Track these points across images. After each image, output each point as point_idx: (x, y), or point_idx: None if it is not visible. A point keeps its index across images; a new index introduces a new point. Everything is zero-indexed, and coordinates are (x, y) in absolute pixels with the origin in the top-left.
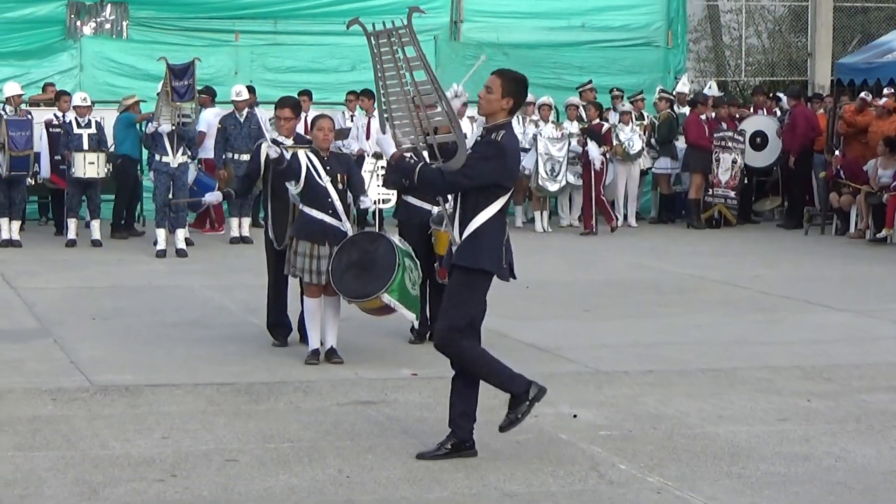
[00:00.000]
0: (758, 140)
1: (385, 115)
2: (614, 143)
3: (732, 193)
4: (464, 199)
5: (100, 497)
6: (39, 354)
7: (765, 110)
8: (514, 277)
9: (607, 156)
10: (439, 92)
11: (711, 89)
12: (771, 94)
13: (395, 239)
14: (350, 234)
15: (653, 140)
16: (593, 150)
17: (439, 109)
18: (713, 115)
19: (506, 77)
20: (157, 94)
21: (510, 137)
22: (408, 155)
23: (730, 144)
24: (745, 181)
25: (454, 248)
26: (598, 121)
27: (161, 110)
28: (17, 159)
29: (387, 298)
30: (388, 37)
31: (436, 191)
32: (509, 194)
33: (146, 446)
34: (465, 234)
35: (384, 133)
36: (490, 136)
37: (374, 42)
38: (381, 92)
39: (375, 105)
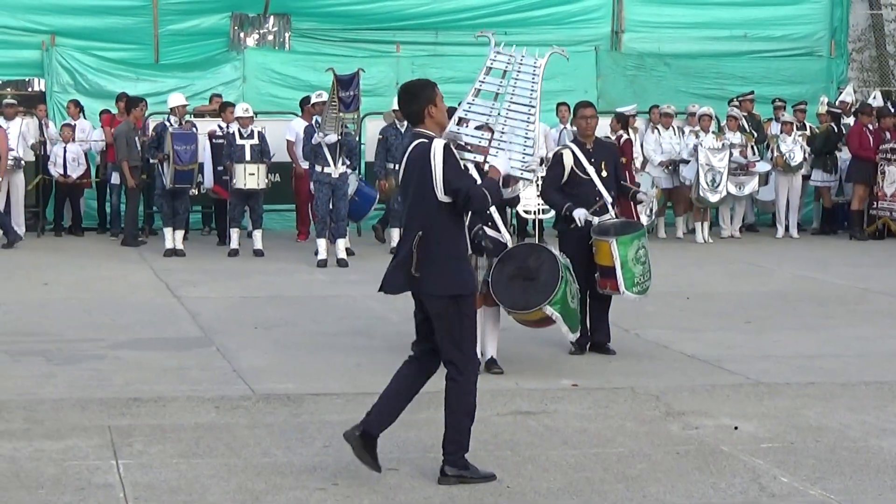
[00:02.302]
0: None
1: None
2: (775, 153)
3: None
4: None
5: None
6: (202, 363)
7: None
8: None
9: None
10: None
11: (876, 99)
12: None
13: (556, 251)
14: (509, 245)
15: (808, 150)
16: None
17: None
18: (878, 125)
19: None
20: (312, 105)
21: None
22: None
23: (894, 157)
24: None
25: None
26: (620, 132)
27: (326, 121)
28: (182, 173)
29: (549, 311)
30: (509, 58)
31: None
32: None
33: (308, 455)
34: None
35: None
36: None
37: (492, 55)
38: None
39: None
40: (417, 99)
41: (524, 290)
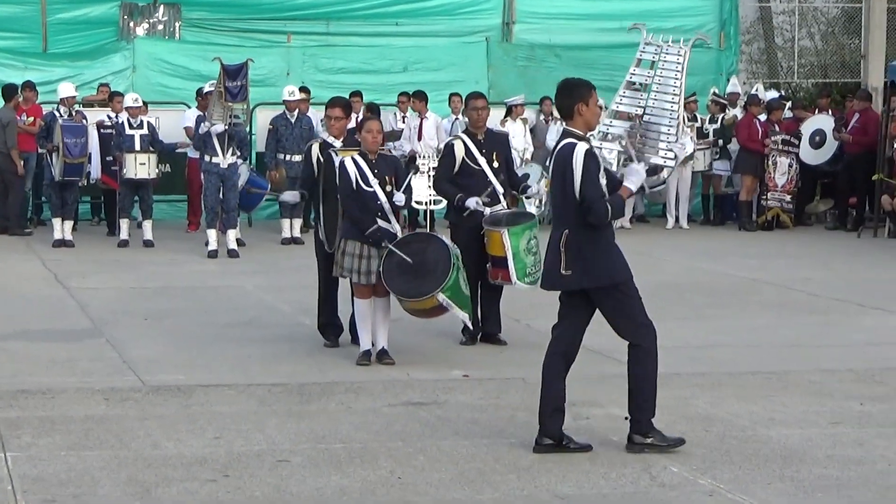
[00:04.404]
0: (817, 138)
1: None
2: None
3: (788, 197)
4: None
5: (152, 497)
6: (92, 354)
7: (829, 111)
8: None
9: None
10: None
11: (759, 91)
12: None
13: (446, 240)
14: (399, 235)
15: (720, 142)
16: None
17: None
18: (766, 117)
19: None
20: (205, 94)
21: None
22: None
23: (785, 147)
24: (800, 184)
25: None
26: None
27: (213, 111)
28: (71, 166)
29: (441, 297)
30: (657, 48)
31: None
32: None
33: (198, 446)
34: None
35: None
36: None
37: (642, 46)
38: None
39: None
40: (571, 96)
41: (415, 278)
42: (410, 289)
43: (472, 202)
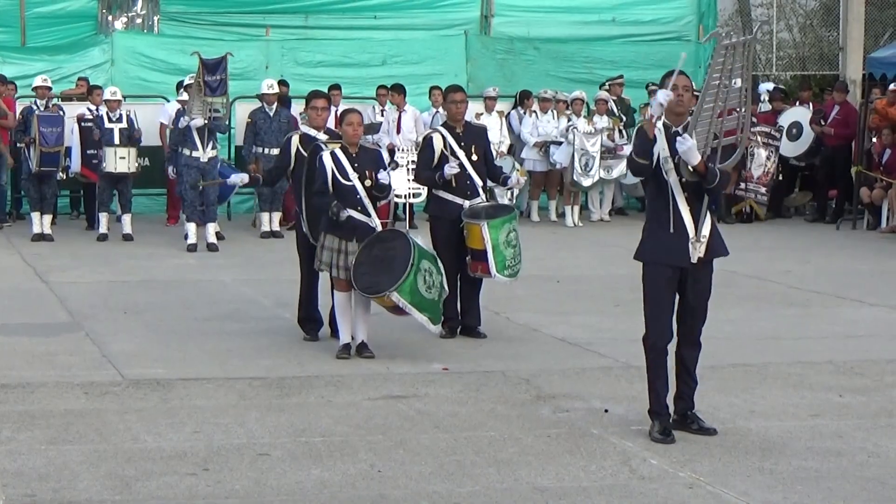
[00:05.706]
0: (794, 131)
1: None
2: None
3: (763, 189)
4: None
5: (132, 491)
6: (71, 348)
7: (810, 104)
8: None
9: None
10: (745, 98)
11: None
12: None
13: (419, 241)
14: (378, 229)
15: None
16: None
17: (734, 116)
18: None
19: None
20: (185, 88)
21: None
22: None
23: (763, 140)
24: (780, 177)
25: (702, 246)
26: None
27: (193, 105)
28: (48, 155)
29: (395, 297)
30: (742, 47)
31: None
32: None
33: (178, 440)
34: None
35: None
36: None
37: (724, 53)
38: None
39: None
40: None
41: (377, 275)
42: (369, 284)
43: (448, 170)
